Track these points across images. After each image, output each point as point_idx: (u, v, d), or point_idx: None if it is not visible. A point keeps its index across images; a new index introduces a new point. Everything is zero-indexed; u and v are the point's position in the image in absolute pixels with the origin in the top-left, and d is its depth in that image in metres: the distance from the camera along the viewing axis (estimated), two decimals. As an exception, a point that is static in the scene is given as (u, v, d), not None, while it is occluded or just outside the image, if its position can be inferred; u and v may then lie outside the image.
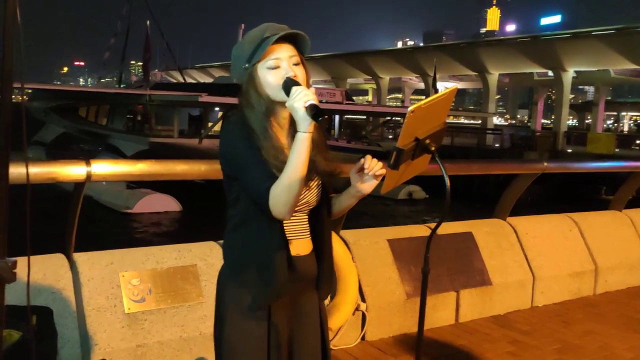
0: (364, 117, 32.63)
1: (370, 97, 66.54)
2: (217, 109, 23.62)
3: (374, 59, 41.03)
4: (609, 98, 49.82)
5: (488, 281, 4.22)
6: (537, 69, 34.20)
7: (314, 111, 1.46)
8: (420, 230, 4.17)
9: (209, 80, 49.61)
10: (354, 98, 38.58)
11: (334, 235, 1.85)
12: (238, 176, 1.60)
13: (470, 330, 3.94)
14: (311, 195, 1.67)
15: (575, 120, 61.30)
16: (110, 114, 25.69)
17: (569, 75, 31.20)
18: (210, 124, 22.53)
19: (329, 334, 1.85)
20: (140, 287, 2.92)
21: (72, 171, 2.62)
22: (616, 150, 26.11)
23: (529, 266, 4.55)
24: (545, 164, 4.57)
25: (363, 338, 3.64)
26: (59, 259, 2.87)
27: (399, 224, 5.30)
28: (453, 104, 1.85)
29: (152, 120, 24.30)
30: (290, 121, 1.68)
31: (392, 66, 40.08)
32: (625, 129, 57.46)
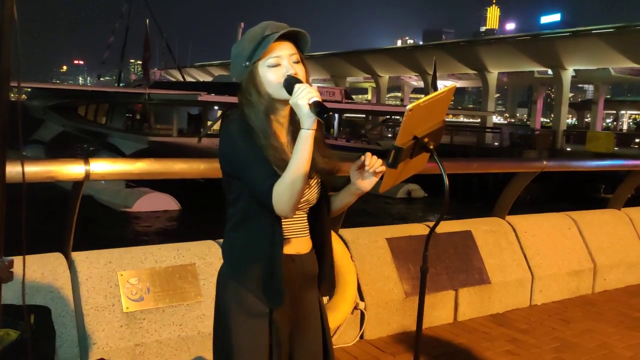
0: (363, 115, 32.63)
1: (369, 96, 66.51)
2: (216, 107, 23.60)
3: (374, 57, 41.01)
4: (609, 96, 49.77)
5: (487, 280, 4.22)
6: (536, 68, 34.18)
7: (319, 108, 1.46)
8: (419, 229, 4.17)
9: (209, 79, 49.59)
10: (353, 97, 38.58)
11: (332, 234, 1.85)
12: (239, 175, 1.59)
13: (469, 329, 3.94)
14: (311, 194, 1.68)
15: (574, 119, 61.33)
16: (109, 113, 25.66)
17: (568, 73, 31.20)
18: (209, 123, 22.51)
19: (330, 331, 1.85)
20: (138, 286, 2.92)
21: (70, 170, 2.62)
22: (615, 148, 26.11)
23: (528, 265, 4.55)
24: (545, 162, 4.57)
25: (362, 337, 3.64)
26: (57, 258, 2.86)
27: (397, 222, 5.30)
28: (452, 102, 1.85)
29: (151, 119, 24.28)
30: (290, 119, 1.69)
31: (391, 65, 40.06)
32: (625, 127, 57.50)
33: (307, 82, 1.64)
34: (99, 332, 2.75)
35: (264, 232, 1.61)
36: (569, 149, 28.27)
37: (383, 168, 1.61)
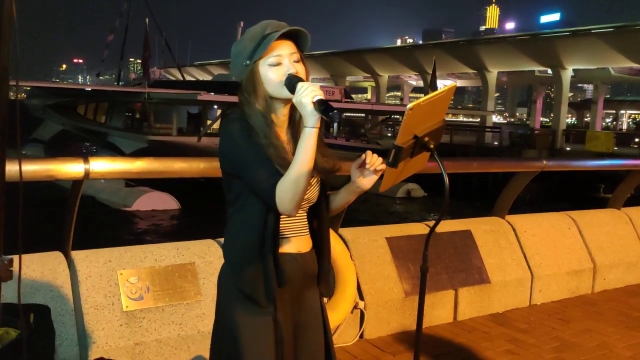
0: (363, 115, 32.63)
1: (369, 95, 66.52)
2: (215, 106, 23.59)
3: (373, 56, 41.00)
4: (608, 96, 49.77)
5: (486, 279, 4.22)
6: (536, 67, 34.18)
7: (323, 106, 1.46)
8: (419, 228, 4.16)
9: (208, 77, 49.59)
10: (353, 96, 38.57)
11: (332, 233, 1.85)
12: (241, 174, 1.59)
13: (469, 329, 3.94)
14: (312, 192, 1.68)
15: (574, 119, 61.34)
16: (108, 112, 25.64)
17: (568, 73, 31.20)
18: (209, 122, 22.50)
19: (330, 330, 1.86)
20: (138, 285, 2.91)
21: (70, 169, 2.61)
22: (615, 148, 26.12)
23: (528, 264, 4.55)
24: (544, 162, 4.57)
25: (361, 336, 3.64)
26: (56, 256, 2.86)
27: (397, 222, 5.30)
28: (452, 102, 1.85)
29: (150, 118, 24.27)
30: (289, 117, 1.69)
31: (391, 64, 40.06)
32: (624, 127, 57.51)
33: (307, 81, 1.64)
34: (98, 331, 2.75)
35: (265, 231, 1.61)
36: (568, 149, 28.27)
37: (383, 166, 1.62)
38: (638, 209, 5.74)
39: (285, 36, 1.61)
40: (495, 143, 30.22)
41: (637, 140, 32.87)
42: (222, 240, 3.33)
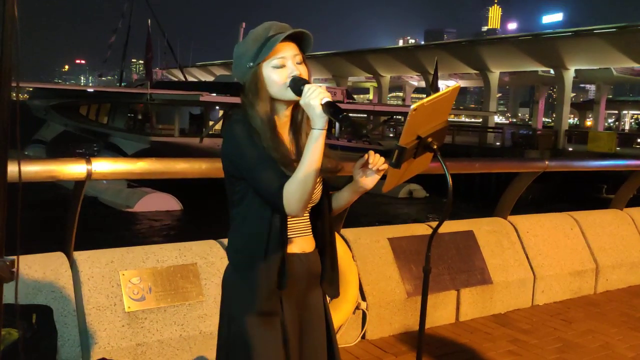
0: (365, 115, 32.60)
1: (371, 96, 66.50)
2: (217, 107, 23.61)
3: (375, 57, 41.00)
4: (610, 96, 49.69)
5: (489, 280, 4.21)
6: (538, 68, 34.13)
7: (333, 109, 1.47)
8: (421, 229, 4.16)
9: (210, 78, 49.60)
10: (355, 97, 38.57)
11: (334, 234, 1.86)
12: (245, 176, 1.60)
13: (471, 329, 3.93)
14: (315, 193, 1.68)
15: (576, 119, 61.25)
16: (111, 113, 25.69)
17: (570, 73, 31.15)
18: (211, 123, 22.51)
19: (334, 329, 1.86)
20: (140, 285, 2.91)
21: (72, 169, 2.61)
22: (617, 148, 26.08)
23: (530, 265, 4.54)
24: (547, 162, 4.56)
25: (363, 337, 3.63)
26: (59, 257, 2.86)
27: (399, 222, 5.30)
28: (454, 102, 1.84)
29: (153, 119, 24.30)
30: (291, 119, 1.69)
31: (393, 64, 40.04)
32: (627, 127, 57.40)
33: (310, 82, 1.64)
34: (100, 332, 2.75)
35: (270, 232, 1.62)
36: (570, 149, 28.23)
37: (385, 166, 1.62)
38: (641, 210, 5.72)
39: (288, 38, 1.61)
40: (498, 143, 30.17)
41: (639, 140, 32.81)
42: (224, 241, 3.33)
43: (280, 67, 1.61)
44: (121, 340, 2.77)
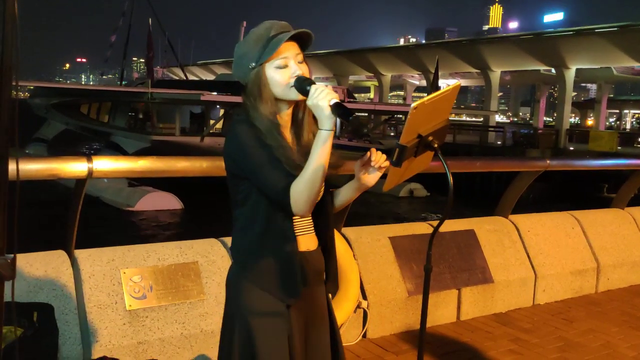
0: (365, 114, 32.56)
1: (372, 95, 66.45)
2: (218, 106, 23.61)
3: (376, 56, 40.97)
4: (611, 96, 49.63)
5: (490, 279, 4.21)
6: (539, 67, 34.09)
7: (341, 110, 1.48)
8: (422, 228, 4.16)
9: (211, 77, 49.59)
10: (356, 95, 38.54)
11: (335, 233, 1.86)
12: (250, 176, 1.60)
13: (472, 328, 3.93)
14: None
15: (577, 118, 61.19)
16: (112, 112, 25.70)
17: (571, 72, 31.11)
18: (212, 122, 22.51)
19: (338, 326, 1.88)
20: (141, 284, 2.92)
21: (73, 167, 2.62)
22: (618, 148, 26.05)
23: (531, 264, 4.54)
24: (548, 161, 4.56)
25: (364, 335, 3.63)
26: (60, 255, 2.86)
27: (400, 221, 5.30)
28: (455, 101, 1.84)
29: (153, 118, 24.30)
30: (292, 119, 1.69)
31: (394, 63, 40.01)
32: (628, 126, 57.36)
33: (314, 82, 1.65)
34: (102, 330, 2.75)
35: (278, 230, 1.63)
36: (571, 148, 28.21)
37: (387, 163, 1.63)
38: (642, 209, 5.72)
39: (290, 37, 1.61)
40: (499, 143, 30.14)
41: (640, 139, 32.77)
42: (225, 239, 3.33)
43: (283, 67, 1.61)
44: (122, 339, 2.77)
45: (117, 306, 2.83)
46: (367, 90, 74.76)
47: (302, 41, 1.66)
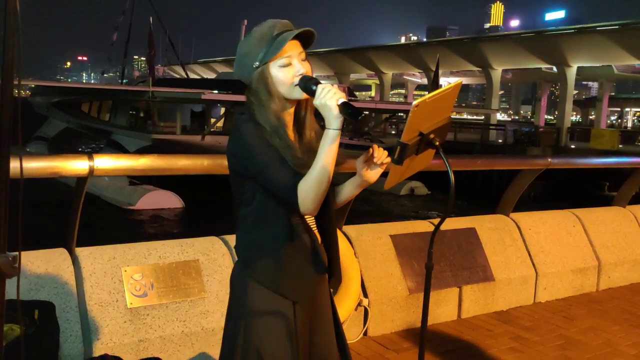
0: (367, 112, 32.52)
1: (373, 93, 66.44)
2: (219, 105, 23.58)
3: (377, 54, 40.93)
4: (613, 94, 49.56)
5: (491, 277, 4.21)
6: (540, 65, 34.05)
7: (350, 109, 1.48)
8: (423, 226, 4.16)
9: (212, 75, 49.56)
10: (357, 94, 38.50)
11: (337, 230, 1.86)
12: (256, 175, 1.60)
13: (473, 326, 3.93)
14: None
15: (578, 116, 61.13)
16: (112, 110, 25.69)
17: (572, 70, 31.08)
18: (212, 120, 22.48)
19: (341, 322, 1.89)
20: (142, 281, 2.92)
21: (74, 165, 2.62)
22: (620, 146, 26.03)
23: (532, 262, 4.54)
24: (549, 159, 4.55)
25: (365, 333, 3.63)
26: (61, 253, 2.87)
27: (401, 219, 5.30)
28: (456, 99, 1.83)
29: (154, 117, 24.29)
30: (295, 118, 1.70)
31: (395, 61, 39.97)
32: (629, 124, 57.30)
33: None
34: (102, 328, 2.75)
35: (285, 229, 1.63)
36: (573, 146, 28.19)
37: (389, 159, 1.63)
38: (643, 207, 5.71)
39: (293, 36, 1.61)
40: (500, 141, 30.13)
41: (642, 138, 32.73)
42: (226, 237, 3.33)
43: (287, 66, 1.61)
44: (123, 337, 2.78)
45: (118, 304, 2.83)
46: (368, 88, 74.78)
47: (304, 39, 1.66)
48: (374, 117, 32.33)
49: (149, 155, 2.90)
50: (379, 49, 42.42)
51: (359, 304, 3.53)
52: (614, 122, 63.12)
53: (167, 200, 16.39)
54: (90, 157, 2.64)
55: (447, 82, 34.65)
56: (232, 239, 3.30)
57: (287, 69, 1.61)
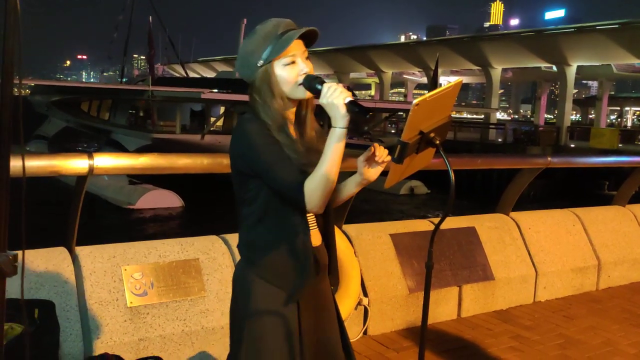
0: (372, 112, 32.47)
1: (372, 92, 66.42)
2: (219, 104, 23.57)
3: (377, 53, 40.91)
4: (612, 93, 49.54)
5: (491, 276, 4.21)
6: (540, 64, 34.03)
7: (357, 108, 1.49)
8: (423, 225, 4.16)
9: (212, 74, 49.55)
10: (357, 92, 38.50)
11: (336, 230, 1.87)
12: (261, 174, 1.60)
13: (473, 325, 3.93)
14: None
15: (578, 115, 61.14)
16: (112, 109, 25.68)
17: (572, 69, 31.08)
18: (212, 119, 22.47)
19: (342, 317, 1.90)
20: (142, 280, 2.92)
21: (74, 164, 2.61)
22: (619, 145, 26.03)
23: (532, 261, 4.54)
24: (549, 158, 4.55)
25: (365, 332, 3.64)
26: (61, 252, 2.87)
27: (400, 219, 5.30)
28: (456, 98, 1.83)
29: (154, 116, 24.27)
30: (295, 117, 1.71)
31: (394, 60, 39.96)
32: (629, 124, 57.31)
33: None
34: (103, 327, 2.75)
35: (290, 227, 1.64)
36: (572, 146, 28.19)
37: (389, 157, 1.64)
38: (643, 206, 5.71)
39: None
40: (500, 140, 30.13)
41: (641, 137, 32.73)
42: (226, 236, 3.33)
43: (290, 64, 1.62)
44: (123, 335, 2.78)
45: (118, 303, 2.83)
46: (367, 87, 74.72)
47: (307, 39, 1.67)
48: (373, 116, 32.29)
49: (148, 154, 2.90)
50: (379, 47, 42.40)
51: (359, 303, 3.53)
52: (614, 121, 63.10)
53: (167, 200, 16.39)
54: (90, 156, 2.64)
55: (447, 81, 34.61)
56: (232, 238, 3.30)
57: (291, 68, 1.61)
